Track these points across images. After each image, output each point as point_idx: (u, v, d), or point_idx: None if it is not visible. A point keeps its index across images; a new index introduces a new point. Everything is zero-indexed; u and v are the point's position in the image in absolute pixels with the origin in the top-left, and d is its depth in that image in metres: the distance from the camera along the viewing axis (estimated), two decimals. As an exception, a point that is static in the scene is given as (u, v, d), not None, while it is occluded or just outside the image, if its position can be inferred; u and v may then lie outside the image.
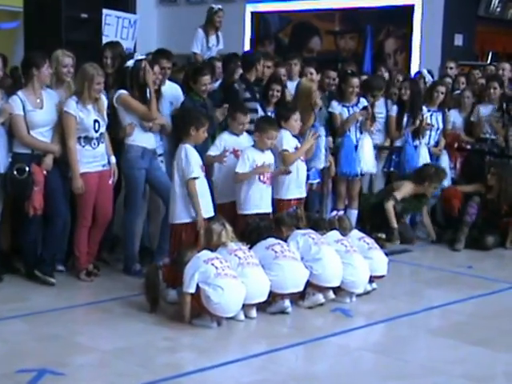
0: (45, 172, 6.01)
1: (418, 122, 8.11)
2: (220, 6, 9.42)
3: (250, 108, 6.83)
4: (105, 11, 9.27)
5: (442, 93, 8.30)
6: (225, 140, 6.38)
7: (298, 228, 5.99)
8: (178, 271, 5.31)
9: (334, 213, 6.59)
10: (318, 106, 7.28)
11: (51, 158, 6.07)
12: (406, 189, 7.87)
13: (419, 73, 9.06)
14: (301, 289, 5.59)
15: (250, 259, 5.43)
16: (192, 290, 5.15)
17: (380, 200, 7.85)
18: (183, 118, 6.04)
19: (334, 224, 6.25)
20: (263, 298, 5.42)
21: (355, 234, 6.35)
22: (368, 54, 11.26)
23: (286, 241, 5.78)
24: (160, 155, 6.74)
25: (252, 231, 5.72)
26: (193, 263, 5.22)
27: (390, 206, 7.75)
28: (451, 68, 9.62)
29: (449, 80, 9.19)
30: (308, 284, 5.65)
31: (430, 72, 9.27)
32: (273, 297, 5.51)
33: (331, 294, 5.79)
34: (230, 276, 5.18)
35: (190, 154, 5.72)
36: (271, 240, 5.66)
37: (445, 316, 5.79)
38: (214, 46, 9.36)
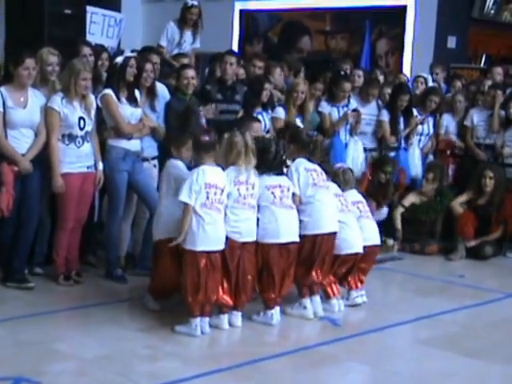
0: (16, 169, 5.79)
1: (413, 124, 8.10)
2: (195, 3, 8.98)
3: (221, 110, 6.78)
4: (91, 9, 9.17)
5: (435, 102, 8.31)
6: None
7: (311, 157, 5.70)
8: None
9: (340, 165, 6.42)
10: (299, 102, 7.15)
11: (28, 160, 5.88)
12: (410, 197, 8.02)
13: (418, 76, 8.93)
14: (295, 239, 5.43)
15: (249, 199, 5.28)
16: (192, 202, 5.05)
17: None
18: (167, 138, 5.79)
19: (337, 176, 6.05)
20: (251, 238, 5.31)
21: (352, 195, 6.09)
22: (366, 53, 11.12)
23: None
24: (153, 158, 6.62)
25: (262, 152, 5.42)
26: (195, 176, 5.09)
27: (397, 213, 7.91)
28: (437, 74, 9.52)
29: (428, 76, 9.10)
30: (300, 286, 5.52)
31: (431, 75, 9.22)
32: (265, 302, 5.41)
33: (317, 300, 5.63)
34: (215, 209, 5.12)
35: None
36: (274, 179, 5.44)
37: (436, 326, 5.70)
38: (185, 42, 8.95)
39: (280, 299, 5.47)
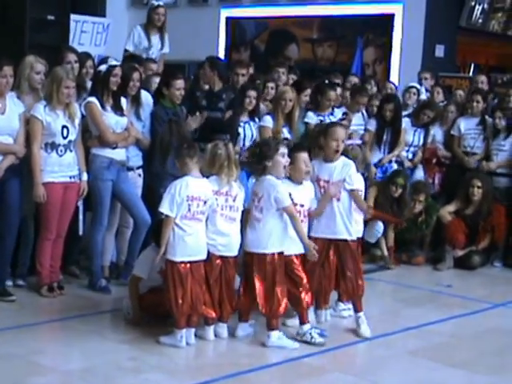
0: None
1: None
2: (161, 3, 8.79)
3: (205, 117, 6.71)
4: (80, 17, 9.04)
5: (429, 117, 8.28)
6: None
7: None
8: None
9: (350, 141, 6.35)
10: (287, 110, 7.07)
11: (8, 161, 5.80)
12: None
13: (410, 87, 8.90)
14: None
15: (228, 211, 5.19)
16: (173, 214, 5.01)
17: None
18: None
19: (346, 152, 5.89)
20: (233, 253, 5.23)
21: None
22: (357, 64, 11.10)
23: None
24: (138, 168, 6.57)
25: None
26: (177, 187, 5.03)
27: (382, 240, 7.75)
28: (426, 79, 9.49)
29: (421, 88, 9.06)
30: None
31: (426, 90, 9.18)
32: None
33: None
34: (196, 220, 5.07)
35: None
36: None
37: (423, 336, 5.65)
38: (153, 47, 8.71)
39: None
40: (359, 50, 11.25)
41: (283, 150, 5.21)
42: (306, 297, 5.29)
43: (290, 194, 5.28)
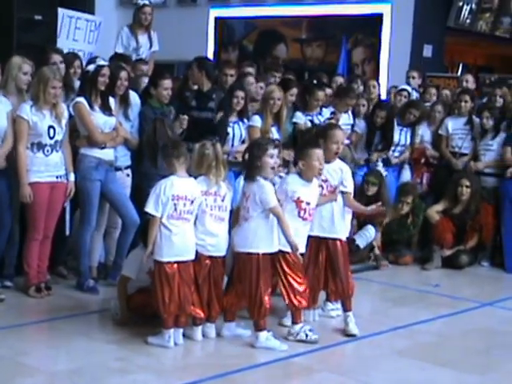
0: None
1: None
2: (146, 2, 8.77)
3: (194, 116, 6.70)
4: (73, 13, 8.98)
5: (415, 116, 8.29)
6: None
7: None
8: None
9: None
10: (275, 110, 7.06)
11: None
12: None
13: (402, 90, 8.92)
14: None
15: (217, 211, 5.18)
16: (159, 214, 5.00)
17: None
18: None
19: None
20: (221, 253, 5.23)
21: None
22: (342, 64, 11.10)
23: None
24: (127, 168, 6.56)
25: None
26: (162, 187, 5.02)
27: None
28: (413, 78, 9.51)
29: (412, 91, 9.07)
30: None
31: (414, 89, 9.18)
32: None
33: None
34: (183, 220, 5.05)
35: None
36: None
37: (411, 336, 5.65)
38: (142, 47, 8.73)
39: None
40: (344, 49, 11.25)
41: (272, 150, 5.18)
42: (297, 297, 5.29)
43: (295, 192, 5.29)
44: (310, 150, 5.34)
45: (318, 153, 5.34)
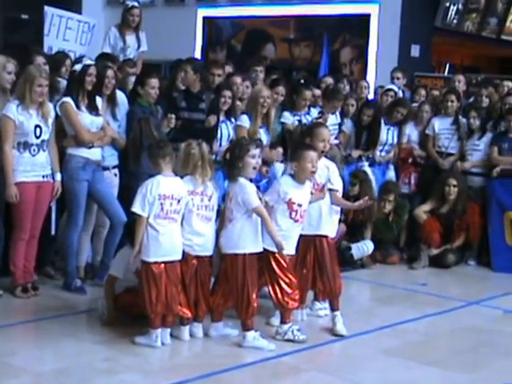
0: None
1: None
2: (135, 3, 8.76)
3: (184, 118, 6.70)
4: (64, 13, 8.93)
5: (402, 114, 8.32)
6: None
7: None
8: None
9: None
10: (265, 110, 7.04)
11: None
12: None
13: (388, 90, 8.93)
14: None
15: (203, 211, 5.17)
16: (145, 213, 4.99)
17: None
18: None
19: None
20: (208, 252, 5.22)
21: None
22: (324, 64, 11.12)
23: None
24: (114, 167, 6.54)
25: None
26: (149, 187, 5.02)
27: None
28: (398, 78, 9.53)
29: (398, 91, 9.08)
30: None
31: (400, 88, 9.20)
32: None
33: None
34: (170, 220, 5.04)
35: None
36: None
37: (398, 335, 5.66)
38: (129, 47, 8.70)
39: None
40: (326, 50, 11.26)
41: (254, 151, 5.16)
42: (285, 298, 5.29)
43: (287, 193, 5.28)
44: (304, 152, 5.33)
45: (312, 155, 5.33)
